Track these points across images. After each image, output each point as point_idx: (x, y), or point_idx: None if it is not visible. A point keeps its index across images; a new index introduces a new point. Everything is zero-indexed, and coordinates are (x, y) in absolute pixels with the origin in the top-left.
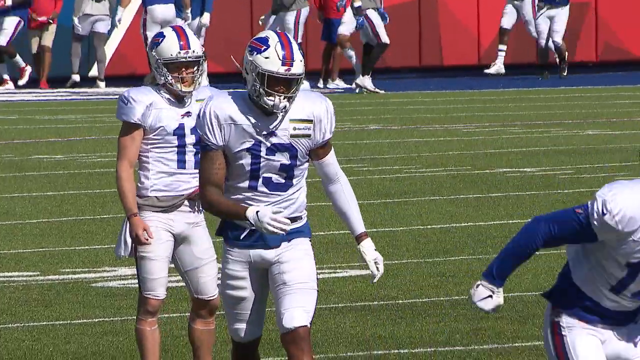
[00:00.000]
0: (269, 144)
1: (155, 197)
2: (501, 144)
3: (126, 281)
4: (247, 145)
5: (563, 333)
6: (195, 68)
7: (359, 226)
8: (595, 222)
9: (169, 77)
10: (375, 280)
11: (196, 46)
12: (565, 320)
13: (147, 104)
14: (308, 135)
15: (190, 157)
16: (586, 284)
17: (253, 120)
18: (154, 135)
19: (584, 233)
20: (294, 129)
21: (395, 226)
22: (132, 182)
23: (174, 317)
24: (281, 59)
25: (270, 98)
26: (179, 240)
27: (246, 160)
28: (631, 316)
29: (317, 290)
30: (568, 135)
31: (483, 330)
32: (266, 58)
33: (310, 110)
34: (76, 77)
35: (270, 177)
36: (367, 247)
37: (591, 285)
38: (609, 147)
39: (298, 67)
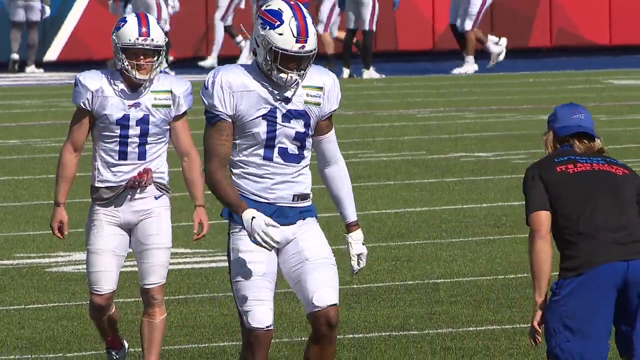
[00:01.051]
0: (284, 110)
1: (100, 189)
2: (455, 129)
3: (80, 266)
4: (264, 111)
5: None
6: (155, 57)
7: (352, 214)
8: None
9: (125, 62)
10: (354, 274)
11: (157, 35)
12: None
13: (93, 89)
14: (319, 104)
15: (132, 149)
16: None
17: (266, 87)
18: (99, 123)
19: None
20: (307, 95)
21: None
22: (69, 168)
23: (128, 301)
24: (295, 36)
25: (283, 75)
26: (132, 228)
27: (262, 128)
28: None
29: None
30: (522, 120)
31: (437, 314)
32: (280, 35)
33: (320, 79)
34: (15, 56)
35: (286, 148)
36: (356, 239)
37: None
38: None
39: (312, 43)
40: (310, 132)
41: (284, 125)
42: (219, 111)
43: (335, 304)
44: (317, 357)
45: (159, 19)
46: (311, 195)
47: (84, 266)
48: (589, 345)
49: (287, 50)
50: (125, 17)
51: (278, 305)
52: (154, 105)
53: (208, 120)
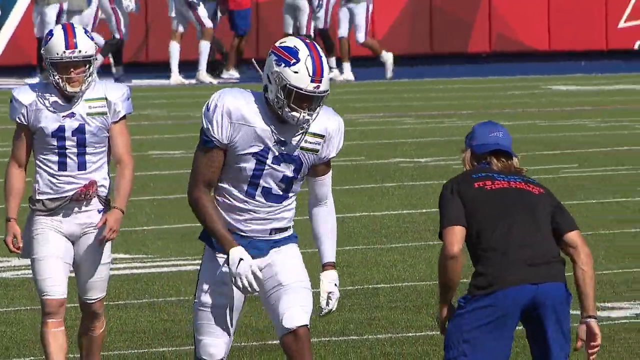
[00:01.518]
0: (277, 152)
1: (42, 200)
2: (395, 134)
3: (19, 272)
4: (255, 149)
5: None
6: (86, 67)
7: (330, 255)
8: None
9: (56, 77)
10: (322, 314)
11: (85, 45)
12: None
13: (27, 104)
14: (317, 151)
15: (71, 160)
16: None
17: (267, 125)
18: (36, 136)
19: None
20: (305, 141)
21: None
22: (16, 183)
23: (67, 307)
24: (311, 75)
25: (295, 113)
26: (74, 240)
27: (249, 165)
28: None
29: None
30: (462, 125)
31: (377, 319)
32: (295, 72)
33: (324, 125)
34: None
35: (271, 188)
36: (328, 279)
37: None
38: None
39: (326, 83)
40: (299, 177)
41: (272, 167)
42: (214, 137)
43: (305, 325)
44: None
45: (118, 25)
46: (291, 225)
47: (23, 272)
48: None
49: (301, 89)
50: (52, 31)
51: None
52: (88, 114)
53: (202, 141)
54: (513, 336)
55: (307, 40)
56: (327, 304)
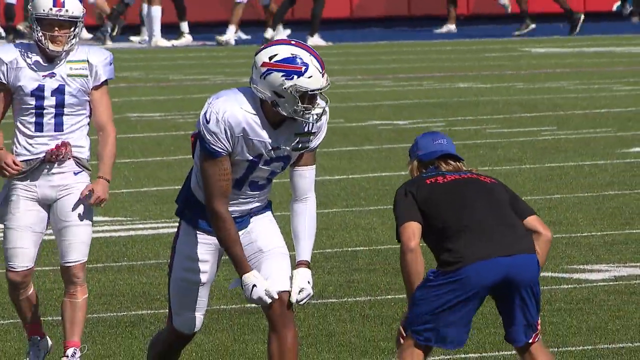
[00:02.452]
0: (268, 157)
1: (21, 162)
2: (374, 96)
3: None
4: (250, 157)
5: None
6: (71, 29)
7: (305, 254)
8: None
9: (39, 33)
10: (293, 299)
11: (73, 6)
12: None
13: (7, 61)
14: (308, 147)
15: (48, 120)
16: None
17: (265, 135)
18: (16, 95)
19: None
20: (298, 142)
21: None
22: None
23: (46, 270)
24: (321, 72)
25: (311, 112)
26: (51, 204)
27: (241, 169)
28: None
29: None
30: (440, 88)
31: (356, 282)
32: (309, 78)
33: (317, 123)
34: None
35: (257, 181)
36: (301, 275)
37: None
38: (480, 100)
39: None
40: (286, 168)
41: (262, 168)
42: (221, 148)
43: (287, 291)
44: (278, 351)
45: None
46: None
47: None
48: (444, 330)
49: (320, 89)
50: None
51: None
52: (69, 75)
53: (208, 153)
54: (476, 308)
55: (291, 42)
56: (296, 297)
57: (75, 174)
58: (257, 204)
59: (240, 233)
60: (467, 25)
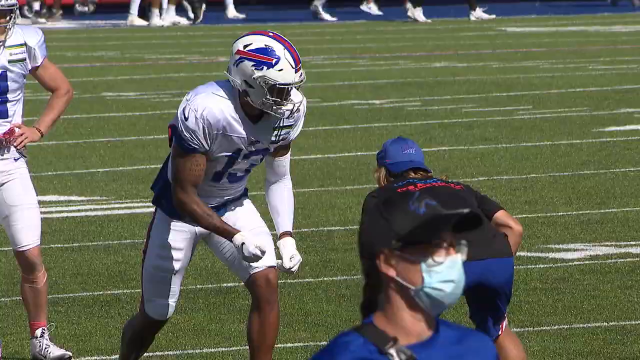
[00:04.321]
0: (247, 151)
1: None
2: (349, 76)
3: None
4: (229, 152)
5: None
6: (8, 18)
7: (287, 225)
8: None
9: None
10: (283, 270)
11: None
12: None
13: None
14: (286, 139)
15: None
16: None
17: (243, 131)
18: None
19: None
20: (276, 135)
21: None
22: None
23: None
24: (294, 67)
25: (281, 107)
26: None
27: (220, 163)
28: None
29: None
30: (416, 67)
31: (332, 262)
32: (280, 71)
33: (294, 115)
34: None
35: (236, 174)
36: (288, 243)
37: None
38: (455, 79)
39: (302, 70)
40: (263, 160)
41: (241, 162)
42: (197, 145)
43: (274, 266)
44: (259, 327)
45: None
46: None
47: None
48: None
49: (289, 84)
50: None
51: None
52: (10, 61)
53: (182, 147)
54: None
55: (269, 33)
56: (290, 261)
57: (15, 160)
58: (235, 194)
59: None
60: (443, 4)
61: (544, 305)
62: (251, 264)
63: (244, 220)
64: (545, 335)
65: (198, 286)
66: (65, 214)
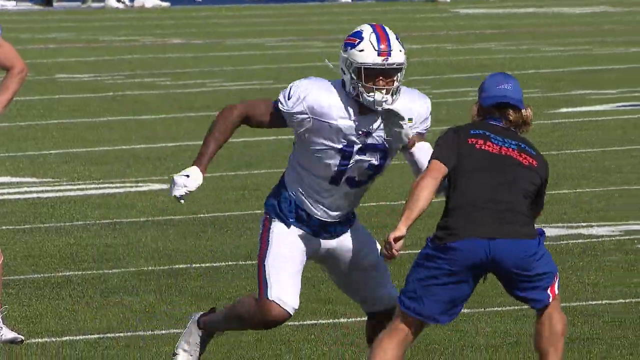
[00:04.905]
0: (361, 144)
1: None
2: (304, 58)
3: None
4: (340, 145)
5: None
6: None
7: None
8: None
9: None
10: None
11: None
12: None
13: None
14: (404, 135)
15: None
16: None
17: (350, 120)
18: None
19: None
20: (389, 129)
21: (197, 140)
22: None
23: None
24: (377, 49)
25: (370, 94)
26: None
27: (334, 161)
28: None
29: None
30: None
31: None
32: (361, 51)
33: (410, 109)
34: None
35: (354, 177)
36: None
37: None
38: (410, 61)
39: (397, 56)
40: (387, 163)
41: (358, 159)
42: (283, 115)
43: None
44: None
45: None
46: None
47: None
48: (427, 303)
49: (369, 64)
50: None
51: (125, 235)
52: None
53: (274, 103)
54: (472, 284)
55: (373, 23)
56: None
57: None
58: (355, 206)
59: (331, 242)
60: None
61: (495, 286)
62: (374, 305)
63: (371, 252)
64: (497, 317)
65: (149, 268)
66: (17, 196)
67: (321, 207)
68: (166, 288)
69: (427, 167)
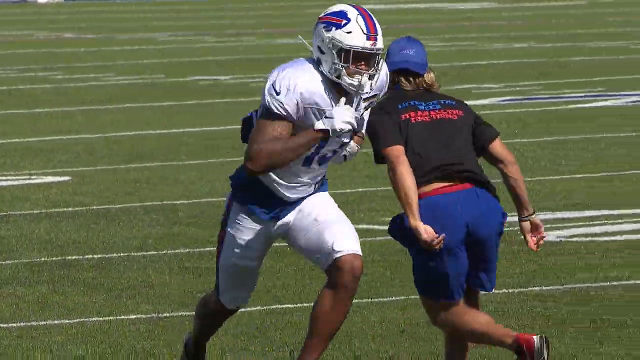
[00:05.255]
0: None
1: None
2: (195, 52)
3: None
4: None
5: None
6: None
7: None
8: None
9: None
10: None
11: None
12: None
13: None
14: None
15: None
16: None
17: (332, 104)
18: None
19: None
20: (365, 107)
21: (91, 133)
22: None
23: None
24: (365, 32)
25: (354, 78)
26: None
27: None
28: None
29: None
30: (260, 44)
31: (176, 235)
32: (348, 33)
33: (379, 85)
34: None
35: (326, 154)
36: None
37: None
38: (299, 55)
39: (381, 41)
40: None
41: (333, 140)
42: (287, 114)
43: (360, 254)
44: (330, 311)
45: None
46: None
47: None
48: (450, 278)
49: (358, 47)
50: None
51: (19, 226)
52: None
53: (269, 115)
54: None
55: (352, 5)
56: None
57: None
58: (320, 181)
59: (297, 206)
60: None
61: (382, 276)
62: (334, 247)
63: (323, 212)
64: (384, 306)
65: (42, 259)
66: None
67: (292, 188)
68: (59, 279)
69: (388, 158)
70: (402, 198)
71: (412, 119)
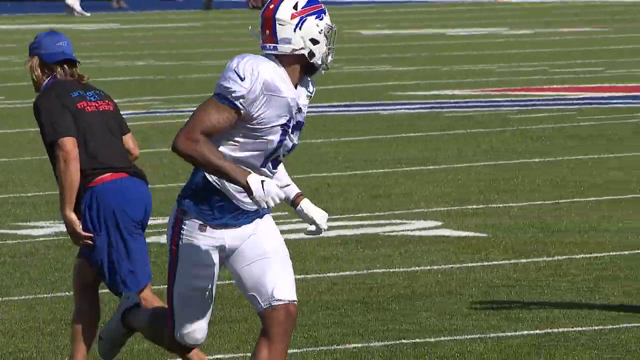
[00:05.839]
0: (294, 121)
1: None
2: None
3: None
4: (283, 120)
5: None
6: None
7: (296, 188)
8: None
9: None
10: (315, 234)
11: None
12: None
13: None
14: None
15: None
16: None
17: (293, 94)
18: None
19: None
20: (305, 106)
21: None
22: None
23: None
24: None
25: (330, 56)
26: None
27: (276, 137)
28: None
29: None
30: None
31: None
32: (325, 15)
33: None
34: None
35: (279, 156)
36: (309, 204)
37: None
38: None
39: None
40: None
41: (289, 138)
42: (241, 105)
43: (295, 301)
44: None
45: None
46: None
47: None
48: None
49: (334, 25)
50: None
51: None
52: None
53: (220, 98)
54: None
55: None
56: (323, 221)
57: None
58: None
59: (247, 228)
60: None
61: (12, 277)
62: (274, 295)
63: (272, 243)
64: (13, 305)
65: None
66: None
67: (243, 192)
68: None
69: (60, 148)
70: (66, 190)
71: (87, 109)
